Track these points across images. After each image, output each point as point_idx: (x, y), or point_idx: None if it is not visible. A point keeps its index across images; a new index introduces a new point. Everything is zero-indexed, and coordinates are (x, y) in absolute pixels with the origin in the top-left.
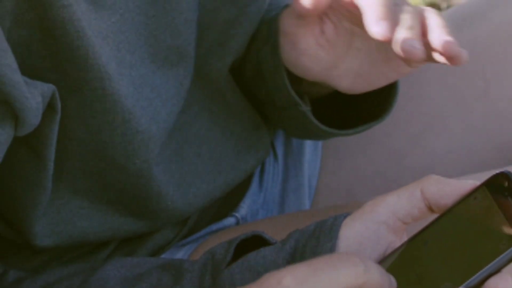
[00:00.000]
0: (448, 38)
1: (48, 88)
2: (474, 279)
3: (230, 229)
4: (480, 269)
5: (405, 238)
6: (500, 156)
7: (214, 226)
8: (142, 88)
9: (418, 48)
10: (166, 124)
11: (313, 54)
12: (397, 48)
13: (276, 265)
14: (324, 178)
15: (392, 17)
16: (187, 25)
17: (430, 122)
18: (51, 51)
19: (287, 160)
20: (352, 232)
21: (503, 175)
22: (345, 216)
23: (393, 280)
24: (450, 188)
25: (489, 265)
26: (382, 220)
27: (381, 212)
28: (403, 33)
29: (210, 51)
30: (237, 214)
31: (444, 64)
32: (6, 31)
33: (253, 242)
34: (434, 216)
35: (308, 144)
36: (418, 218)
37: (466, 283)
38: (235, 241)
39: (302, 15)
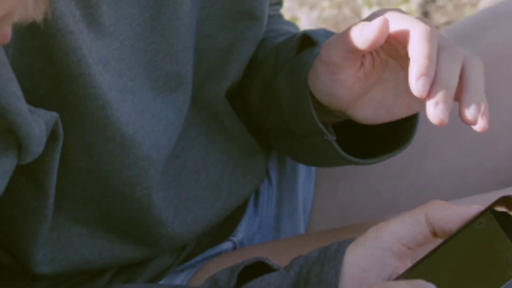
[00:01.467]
0: (477, 114)
1: (51, 116)
2: None
3: (228, 254)
4: None
5: (409, 264)
6: (493, 179)
7: (212, 251)
8: (143, 115)
9: (444, 119)
10: (166, 151)
11: (350, 85)
12: (428, 107)
13: None
14: (318, 201)
15: (433, 71)
16: (185, 51)
17: (424, 144)
18: (53, 80)
19: (281, 184)
20: (356, 258)
21: (506, 199)
22: (349, 242)
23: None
24: (455, 213)
25: None
26: (386, 246)
27: (385, 238)
28: (439, 96)
29: (206, 77)
30: (234, 239)
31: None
32: (10, 59)
33: (254, 268)
34: (438, 241)
35: (302, 167)
36: (423, 244)
37: None
38: (238, 268)
39: (356, 51)
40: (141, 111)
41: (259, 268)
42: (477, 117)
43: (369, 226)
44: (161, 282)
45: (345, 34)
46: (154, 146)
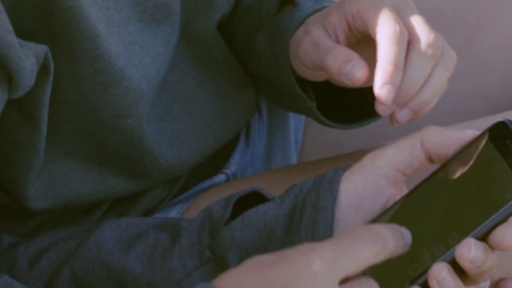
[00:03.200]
0: (406, 118)
1: (41, 49)
2: (481, 228)
3: (221, 186)
4: (487, 218)
5: (405, 191)
6: (485, 105)
7: (204, 184)
8: (131, 46)
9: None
10: (155, 82)
11: (327, 76)
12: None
13: (277, 221)
14: (310, 132)
15: (398, 77)
16: None
17: None
18: (42, 12)
19: (272, 117)
20: (352, 185)
21: (503, 124)
22: (344, 169)
23: (407, 236)
24: (451, 138)
25: (496, 214)
26: (382, 173)
27: (381, 164)
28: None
29: (196, 8)
30: (227, 171)
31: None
32: None
33: (248, 199)
34: (434, 167)
35: None
36: (418, 170)
37: (473, 233)
38: (233, 198)
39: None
40: (129, 43)
41: (254, 199)
42: (404, 121)
43: (361, 155)
44: (155, 215)
45: (323, 51)
46: (143, 77)
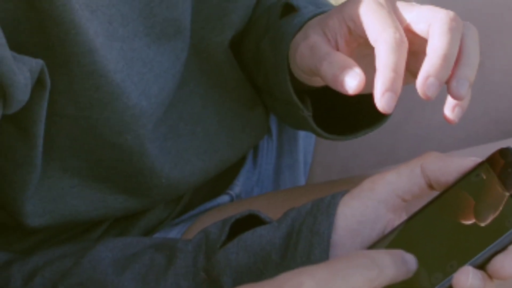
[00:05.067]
0: (466, 91)
1: (36, 63)
2: (480, 257)
3: (223, 206)
4: (485, 247)
5: (404, 217)
6: (495, 129)
7: (208, 205)
8: (133, 62)
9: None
10: (158, 99)
11: None
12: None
13: (273, 245)
14: (319, 154)
15: (399, 84)
16: None
17: None
18: (37, 26)
19: (281, 137)
20: (350, 210)
21: (505, 151)
22: (343, 194)
23: (411, 262)
24: (452, 165)
25: (495, 243)
26: (381, 198)
27: (380, 190)
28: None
29: (208, 25)
30: (231, 192)
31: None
32: None
33: (247, 221)
34: (434, 193)
35: None
36: (418, 196)
37: (471, 261)
38: (230, 221)
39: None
40: (131, 58)
41: (253, 220)
42: (465, 95)
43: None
44: (156, 235)
45: (319, 57)
46: (143, 94)
